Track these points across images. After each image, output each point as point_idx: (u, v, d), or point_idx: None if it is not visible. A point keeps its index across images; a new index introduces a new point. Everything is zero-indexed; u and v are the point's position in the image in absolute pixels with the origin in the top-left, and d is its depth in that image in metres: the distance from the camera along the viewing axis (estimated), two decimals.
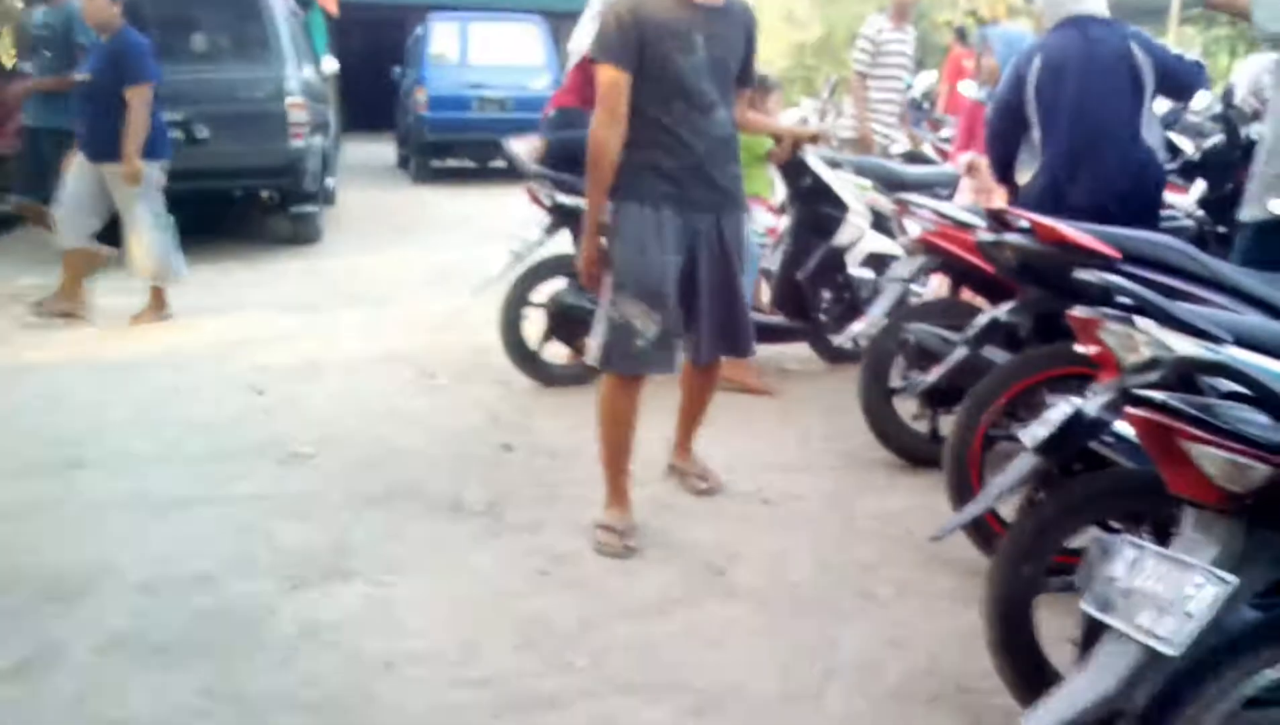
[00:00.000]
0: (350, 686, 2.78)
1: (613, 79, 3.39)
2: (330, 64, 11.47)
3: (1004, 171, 4.40)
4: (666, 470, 4.15)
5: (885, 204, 5.52)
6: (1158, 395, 1.83)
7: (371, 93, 19.68)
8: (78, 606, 3.17)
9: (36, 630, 3.03)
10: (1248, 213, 3.56)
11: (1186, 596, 1.74)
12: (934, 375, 3.86)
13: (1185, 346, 2.19)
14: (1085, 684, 1.84)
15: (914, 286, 4.81)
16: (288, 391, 5.30)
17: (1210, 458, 1.74)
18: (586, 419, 4.83)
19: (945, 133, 8.63)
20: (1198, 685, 1.74)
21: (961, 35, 14.94)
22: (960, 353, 3.79)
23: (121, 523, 3.75)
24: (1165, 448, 1.80)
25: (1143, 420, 1.83)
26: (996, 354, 3.75)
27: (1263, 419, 1.77)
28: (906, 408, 4.31)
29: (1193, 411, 1.78)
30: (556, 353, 5.44)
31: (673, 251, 3.49)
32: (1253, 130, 4.65)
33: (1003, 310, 3.75)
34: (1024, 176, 4.26)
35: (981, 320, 3.78)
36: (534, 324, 5.37)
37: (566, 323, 5.26)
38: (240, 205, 9.39)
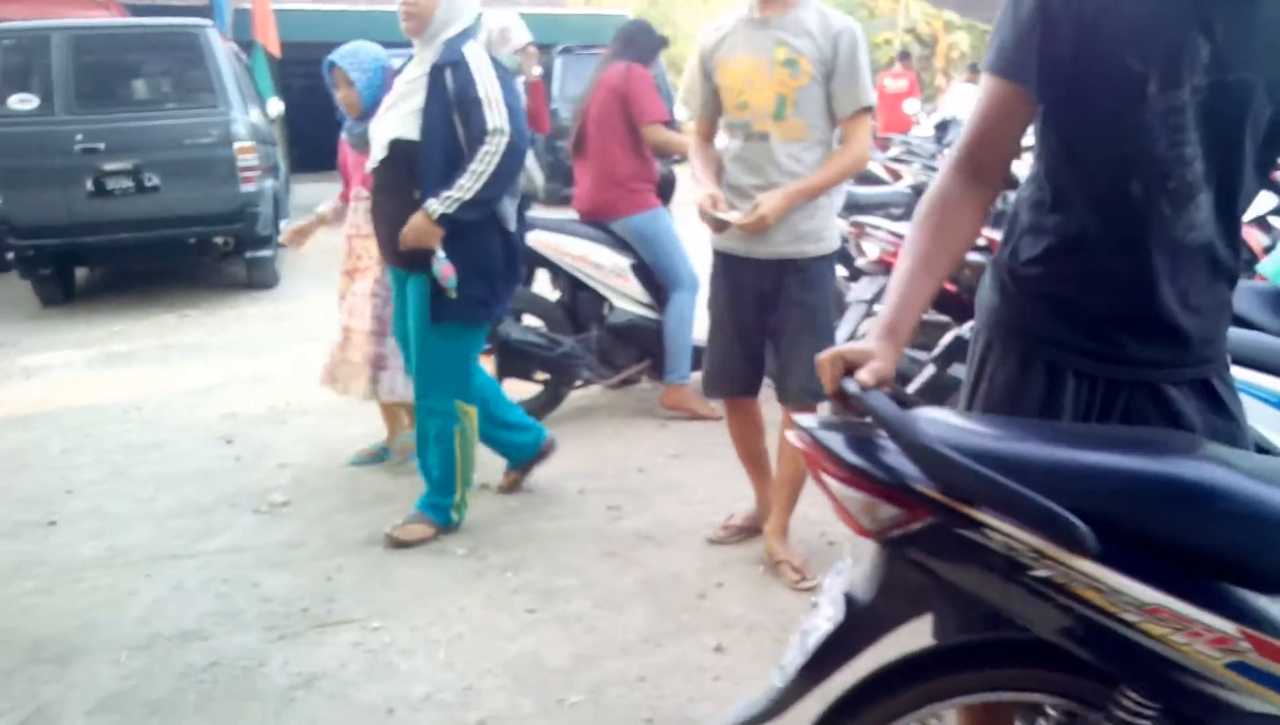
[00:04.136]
0: None
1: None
2: (276, 106, 11.43)
3: None
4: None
5: (841, 226, 5.61)
6: (808, 421, 1.59)
7: (317, 132, 19.61)
8: (68, 669, 3.16)
9: (28, 694, 3.02)
10: None
11: (806, 631, 1.67)
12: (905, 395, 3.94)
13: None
14: None
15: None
16: (257, 439, 5.29)
17: (848, 498, 1.55)
18: (559, 452, 4.87)
19: (894, 151, 8.78)
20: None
21: (905, 56, 15.32)
22: (929, 371, 3.87)
23: (103, 582, 3.73)
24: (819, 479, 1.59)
25: (803, 452, 1.60)
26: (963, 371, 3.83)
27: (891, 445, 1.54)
28: None
29: (829, 442, 1.56)
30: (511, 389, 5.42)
31: None
32: None
33: (966, 328, 3.85)
34: None
35: (947, 338, 3.87)
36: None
37: (516, 358, 5.28)
38: (196, 252, 9.35)
